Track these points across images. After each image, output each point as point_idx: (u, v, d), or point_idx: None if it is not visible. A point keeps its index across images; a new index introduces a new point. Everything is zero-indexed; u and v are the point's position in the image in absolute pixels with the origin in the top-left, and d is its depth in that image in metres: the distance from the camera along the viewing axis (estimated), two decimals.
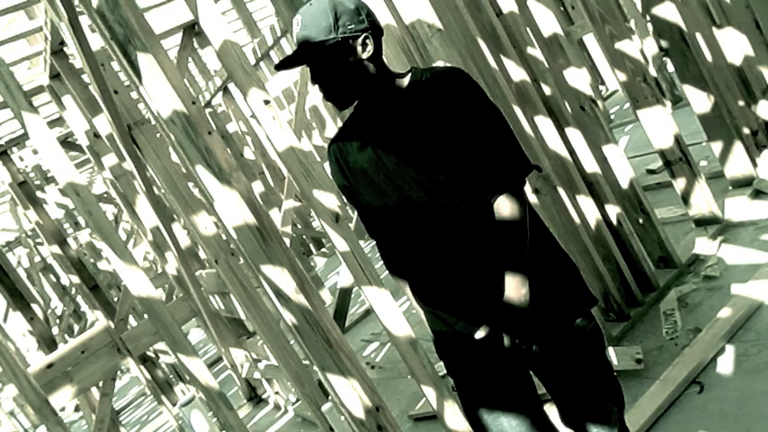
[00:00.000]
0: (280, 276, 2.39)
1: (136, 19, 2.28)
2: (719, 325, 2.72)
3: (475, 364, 1.58)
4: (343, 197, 1.68)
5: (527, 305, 1.50)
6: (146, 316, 3.96)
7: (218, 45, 2.46)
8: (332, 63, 1.48)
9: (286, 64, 1.52)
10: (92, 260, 9.08)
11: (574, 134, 3.20)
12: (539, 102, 3.06)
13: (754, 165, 3.83)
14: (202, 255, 5.24)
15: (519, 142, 1.55)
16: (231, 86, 6.72)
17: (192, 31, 5.61)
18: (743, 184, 3.84)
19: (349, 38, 1.47)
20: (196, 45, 5.90)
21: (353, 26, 1.48)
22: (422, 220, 1.52)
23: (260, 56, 5.39)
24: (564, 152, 3.11)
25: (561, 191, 3.01)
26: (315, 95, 7.05)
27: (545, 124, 3.07)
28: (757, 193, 3.74)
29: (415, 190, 1.50)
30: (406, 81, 1.56)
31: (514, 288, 1.49)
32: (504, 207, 1.48)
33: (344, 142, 1.59)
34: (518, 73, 3.04)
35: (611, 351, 2.83)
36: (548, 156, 3.03)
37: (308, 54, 1.48)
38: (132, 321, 9.08)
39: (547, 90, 3.16)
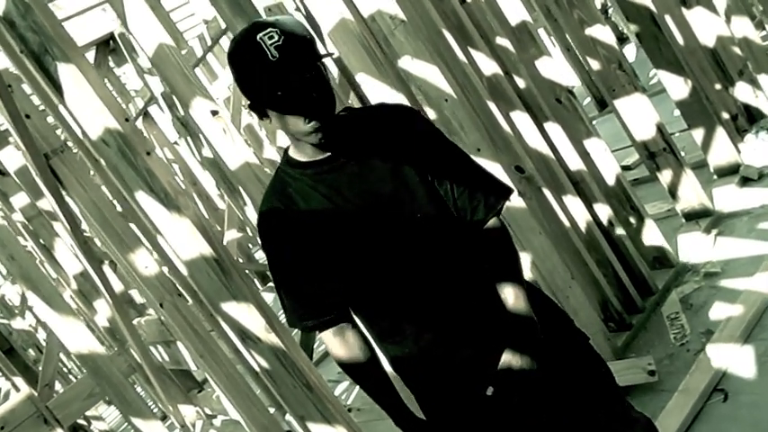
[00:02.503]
0: (245, 315, 2.24)
1: (52, 25, 2.11)
2: (733, 325, 2.69)
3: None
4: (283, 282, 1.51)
5: (536, 324, 1.48)
6: (75, 379, 3.68)
7: (152, 51, 2.30)
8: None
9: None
10: (2, 319, 8.56)
11: (553, 129, 3.17)
12: (514, 96, 3.02)
13: (738, 151, 3.89)
14: (137, 300, 4.97)
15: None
16: (153, 109, 6.51)
17: (106, 47, 5.38)
18: (728, 172, 3.89)
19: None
20: (112, 63, 5.67)
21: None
22: (411, 268, 1.45)
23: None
24: (545, 149, 3.06)
25: (547, 192, 2.96)
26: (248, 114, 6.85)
27: (522, 120, 3.02)
28: (745, 181, 3.79)
29: (396, 233, 1.44)
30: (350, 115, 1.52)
31: (522, 305, 1.47)
32: (497, 230, 1.51)
33: (287, 200, 1.44)
34: (489, 66, 2.98)
35: (617, 365, 2.77)
36: (529, 155, 2.98)
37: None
38: (58, 386, 8.57)
39: (521, 83, 3.12)
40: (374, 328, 1.52)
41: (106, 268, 4.80)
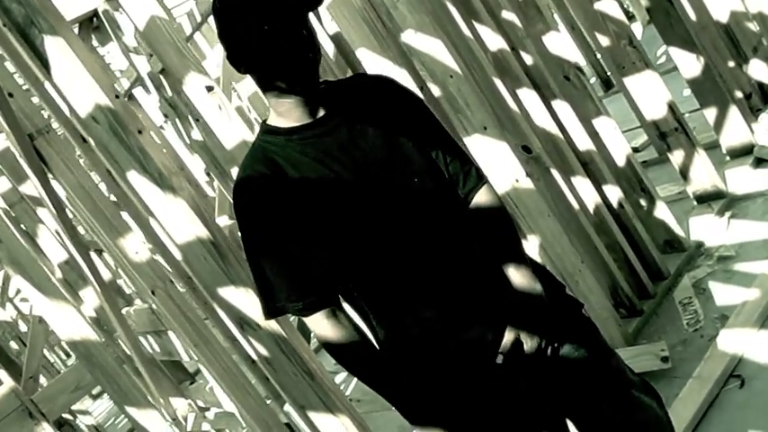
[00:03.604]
0: (244, 300, 2.22)
1: None
2: (749, 309, 2.70)
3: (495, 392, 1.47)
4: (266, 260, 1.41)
5: (543, 293, 1.49)
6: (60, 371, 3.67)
7: (143, 23, 2.28)
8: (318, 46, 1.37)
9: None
10: None
11: (561, 107, 3.15)
12: (521, 72, 3.00)
13: (752, 131, 3.88)
14: (125, 290, 4.95)
15: None
16: (137, 91, 6.43)
17: (89, 24, 5.31)
18: (741, 153, 3.88)
19: None
20: (95, 42, 5.61)
21: None
22: (409, 238, 1.43)
23: None
24: (554, 128, 3.05)
25: (555, 173, 2.95)
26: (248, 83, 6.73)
27: (530, 97, 3.01)
28: (759, 162, 3.79)
29: (393, 200, 1.41)
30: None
31: (526, 279, 1.48)
32: (490, 196, 1.53)
33: (273, 166, 1.39)
34: (495, 41, 2.96)
35: (629, 352, 2.78)
36: (536, 134, 2.97)
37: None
38: (42, 380, 8.55)
39: (527, 59, 3.10)
40: (370, 306, 1.48)
41: (93, 256, 4.77)
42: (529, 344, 1.41)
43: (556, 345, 1.45)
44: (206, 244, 2.16)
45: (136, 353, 4.03)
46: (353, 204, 1.39)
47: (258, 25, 1.28)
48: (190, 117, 5.32)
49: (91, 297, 4.39)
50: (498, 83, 2.83)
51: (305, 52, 1.32)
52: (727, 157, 3.96)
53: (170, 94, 5.32)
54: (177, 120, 5.63)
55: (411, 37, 2.57)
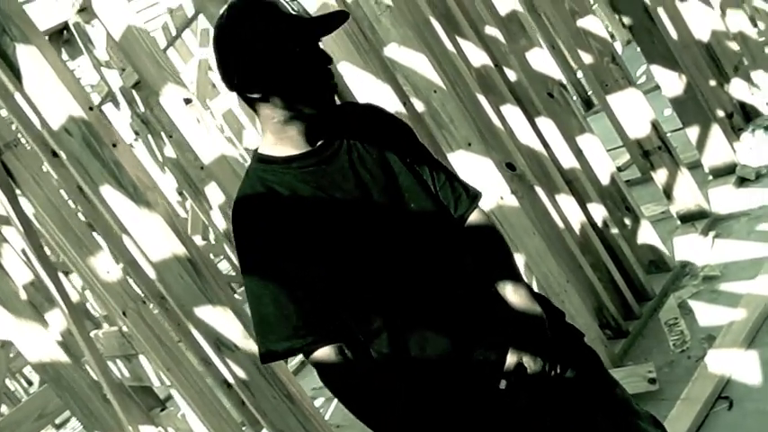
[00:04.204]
0: (222, 320, 2.19)
1: (11, 4, 2.05)
2: (735, 330, 2.72)
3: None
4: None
5: (543, 314, 1.49)
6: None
7: (120, 33, 2.25)
8: None
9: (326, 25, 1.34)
10: None
11: (545, 124, 3.18)
12: (504, 89, 3.02)
13: (734, 151, 3.95)
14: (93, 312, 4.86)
15: None
16: (107, 107, 6.38)
17: (59, 37, 5.27)
18: (724, 172, 3.95)
19: None
20: (66, 56, 5.56)
21: None
22: (410, 263, 1.43)
23: None
24: (538, 146, 3.07)
25: (539, 190, 2.96)
26: (227, 96, 6.73)
27: (514, 114, 3.03)
28: (742, 181, 3.85)
29: (393, 226, 1.42)
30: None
31: (525, 300, 1.49)
32: (482, 218, 1.55)
33: (271, 192, 1.38)
34: (478, 56, 2.99)
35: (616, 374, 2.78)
36: (520, 151, 2.99)
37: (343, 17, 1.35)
38: (3, 408, 8.34)
39: (511, 75, 3.13)
40: (366, 332, 1.45)
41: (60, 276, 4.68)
42: (532, 366, 1.40)
43: (559, 368, 1.44)
44: (182, 261, 2.13)
45: (104, 378, 3.94)
46: (356, 231, 1.39)
47: (291, 47, 1.30)
48: (163, 133, 5.29)
49: (57, 320, 4.30)
50: (482, 99, 2.85)
51: (331, 75, 1.36)
52: (710, 177, 4.02)
53: (142, 109, 5.29)
54: (149, 136, 5.60)
55: (394, 51, 2.58)
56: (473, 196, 1.55)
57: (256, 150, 1.45)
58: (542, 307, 1.49)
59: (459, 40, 2.98)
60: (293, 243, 1.35)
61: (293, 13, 1.29)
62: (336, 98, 1.44)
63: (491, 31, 3.10)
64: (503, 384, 1.39)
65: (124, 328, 3.66)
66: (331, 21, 1.32)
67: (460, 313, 1.44)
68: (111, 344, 4.01)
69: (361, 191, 1.40)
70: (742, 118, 4.11)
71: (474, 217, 1.53)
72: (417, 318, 1.43)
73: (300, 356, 5.43)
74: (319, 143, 1.41)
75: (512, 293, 1.48)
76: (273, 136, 1.39)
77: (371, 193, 1.41)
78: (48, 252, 5.41)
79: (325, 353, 1.36)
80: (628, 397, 1.59)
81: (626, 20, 3.77)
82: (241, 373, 2.24)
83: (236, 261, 7.03)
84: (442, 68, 2.76)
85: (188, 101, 2.27)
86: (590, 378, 1.51)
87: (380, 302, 1.42)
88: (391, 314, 1.42)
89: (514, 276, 1.50)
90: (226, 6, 1.34)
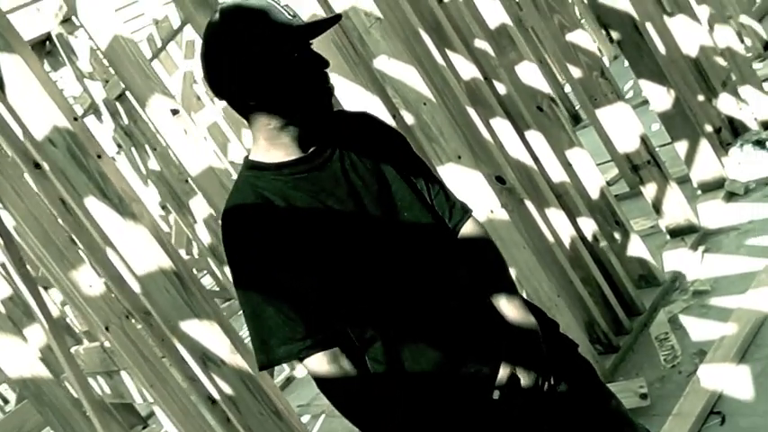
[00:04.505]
0: (208, 334, 2.17)
1: None
2: (727, 344, 2.73)
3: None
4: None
5: (539, 331, 1.48)
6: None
7: (106, 43, 2.25)
8: None
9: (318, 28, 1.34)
10: None
11: (535, 138, 3.20)
12: (494, 102, 3.04)
13: (722, 165, 3.99)
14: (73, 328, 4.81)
15: None
16: (89, 120, 6.36)
17: (41, 48, 5.26)
18: (713, 187, 3.99)
19: None
20: (48, 67, 5.54)
21: None
22: (404, 273, 1.43)
23: None
24: (527, 159, 3.09)
25: (529, 204, 2.98)
26: (212, 109, 6.71)
27: (503, 127, 3.05)
28: (730, 196, 3.89)
29: (386, 235, 1.42)
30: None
31: (519, 312, 1.49)
32: (476, 228, 1.55)
33: (262, 199, 1.37)
34: (468, 69, 3.01)
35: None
36: (510, 164, 3.00)
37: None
38: None
39: (501, 88, 3.15)
40: (361, 341, 1.46)
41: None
42: (526, 379, 1.40)
43: (553, 380, 1.44)
44: (168, 274, 2.11)
45: (85, 395, 3.90)
46: (347, 240, 1.39)
47: (288, 51, 1.29)
48: (147, 146, 5.27)
49: (36, 336, 4.25)
50: (472, 112, 2.87)
51: (327, 79, 1.36)
52: (699, 192, 4.06)
53: (126, 121, 5.27)
54: (133, 148, 5.57)
55: (384, 63, 2.59)
56: (467, 208, 1.57)
57: (247, 157, 1.44)
58: (536, 318, 1.49)
59: (449, 52, 2.99)
60: (285, 252, 1.35)
61: (288, 17, 1.29)
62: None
63: (480, 44, 3.12)
64: (496, 395, 1.39)
65: (106, 344, 3.63)
66: (324, 23, 1.32)
67: (454, 325, 1.43)
68: (92, 360, 3.97)
69: (354, 199, 1.40)
70: (730, 133, 4.16)
71: (468, 227, 1.54)
72: (410, 329, 1.43)
73: (286, 372, 5.41)
74: (312, 150, 1.40)
75: (506, 305, 1.48)
76: (266, 142, 1.39)
77: (364, 201, 1.40)
78: (28, 266, 5.36)
79: (322, 358, 1.36)
80: (624, 410, 1.59)
81: (614, 34, 3.81)
82: (227, 389, 2.22)
83: (220, 276, 7.02)
84: (431, 81, 2.78)
85: (175, 111, 2.26)
86: (585, 390, 1.51)
87: (373, 313, 1.41)
88: (384, 325, 1.42)
89: (509, 288, 1.50)
90: (216, 13, 1.33)
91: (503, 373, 1.40)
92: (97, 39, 2.23)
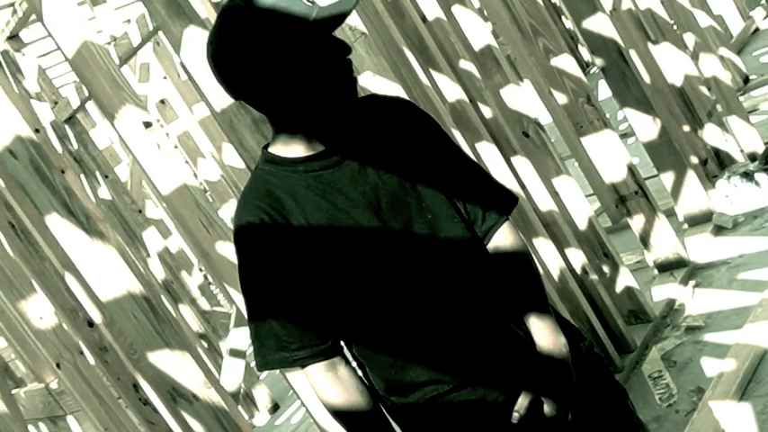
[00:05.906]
0: (179, 365, 2.10)
1: None
2: (726, 381, 2.75)
3: None
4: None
5: (569, 357, 1.45)
6: None
7: (73, 50, 2.20)
8: None
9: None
10: None
11: (521, 164, 3.23)
12: (480, 126, 3.07)
13: (709, 198, 4.08)
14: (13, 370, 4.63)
15: None
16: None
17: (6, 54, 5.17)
18: (700, 220, 4.06)
19: None
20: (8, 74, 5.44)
21: None
22: (426, 285, 1.40)
23: None
24: (515, 187, 3.11)
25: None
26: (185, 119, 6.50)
27: (490, 152, 3.07)
28: (719, 230, 3.97)
29: (407, 240, 1.39)
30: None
31: (551, 337, 1.44)
32: (511, 237, 1.48)
33: (274, 203, 1.36)
34: (453, 91, 3.04)
35: None
36: None
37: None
38: None
39: (486, 112, 3.18)
40: (368, 359, 1.43)
41: None
42: (548, 408, 1.38)
43: (577, 411, 1.42)
44: (138, 299, 2.05)
45: None
46: (360, 244, 1.36)
47: (306, 53, 1.27)
48: (97, 173, 5.18)
49: None
50: (457, 134, 2.88)
51: (352, 69, 1.34)
52: (685, 225, 4.13)
53: (75, 146, 5.17)
54: (82, 175, 5.46)
55: (369, 80, 2.59)
56: (506, 205, 1.51)
57: (266, 147, 1.42)
58: (569, 338, 1.46)
59: (434, 73, 3.02)
60: (290, 258, 1.35)
61: (306, 6, 1.23)
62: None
63: (466, 65, 3.16)
64: (515, 418, 1.37)
65: (52, 386, 3.49)
66: (344, 15, 1.27)
67: (473, 348, 1.40)
68: (34, 404, 3.82)
69: (368, 200, 1.37)
70: (716, 165, 4.26)
71: (501, 237, 1.47)
72: (415, 348, 1.40)
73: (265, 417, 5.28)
74: (332, 145, 1.37)
75: (536, 326, 1.43)
76: (286, 136, 1.37)
77: (380, 201, 1.37)
78: None
79: (321, 367, 1.37)
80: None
81: (599, 61, 3.90)
82: (199, 429, 2.15)
83: (174, 313, 6.85)
84: (416, 101, 2.79)
85: (148, 124, 2.22)
86: (615, 417, 1.49)
87: (382, 327, 1.39)
88: (392, 340, 1.39)
89: (540, 307, 1.45)
90: (221, 13, 1.29)
91: (523, 398, 1.38)
92: (63, 44, 2.18)
